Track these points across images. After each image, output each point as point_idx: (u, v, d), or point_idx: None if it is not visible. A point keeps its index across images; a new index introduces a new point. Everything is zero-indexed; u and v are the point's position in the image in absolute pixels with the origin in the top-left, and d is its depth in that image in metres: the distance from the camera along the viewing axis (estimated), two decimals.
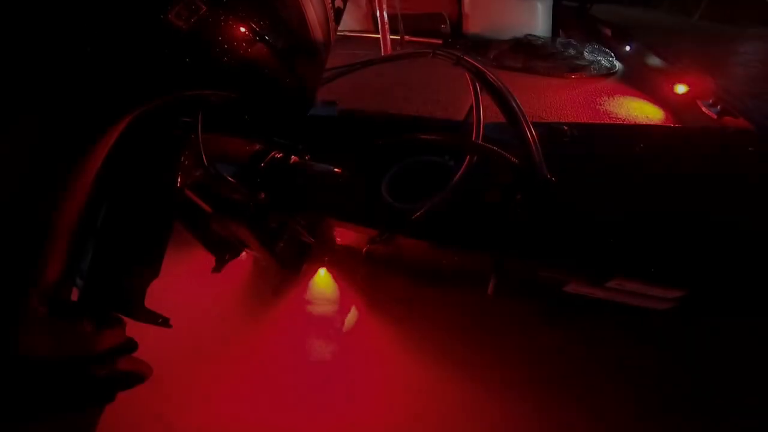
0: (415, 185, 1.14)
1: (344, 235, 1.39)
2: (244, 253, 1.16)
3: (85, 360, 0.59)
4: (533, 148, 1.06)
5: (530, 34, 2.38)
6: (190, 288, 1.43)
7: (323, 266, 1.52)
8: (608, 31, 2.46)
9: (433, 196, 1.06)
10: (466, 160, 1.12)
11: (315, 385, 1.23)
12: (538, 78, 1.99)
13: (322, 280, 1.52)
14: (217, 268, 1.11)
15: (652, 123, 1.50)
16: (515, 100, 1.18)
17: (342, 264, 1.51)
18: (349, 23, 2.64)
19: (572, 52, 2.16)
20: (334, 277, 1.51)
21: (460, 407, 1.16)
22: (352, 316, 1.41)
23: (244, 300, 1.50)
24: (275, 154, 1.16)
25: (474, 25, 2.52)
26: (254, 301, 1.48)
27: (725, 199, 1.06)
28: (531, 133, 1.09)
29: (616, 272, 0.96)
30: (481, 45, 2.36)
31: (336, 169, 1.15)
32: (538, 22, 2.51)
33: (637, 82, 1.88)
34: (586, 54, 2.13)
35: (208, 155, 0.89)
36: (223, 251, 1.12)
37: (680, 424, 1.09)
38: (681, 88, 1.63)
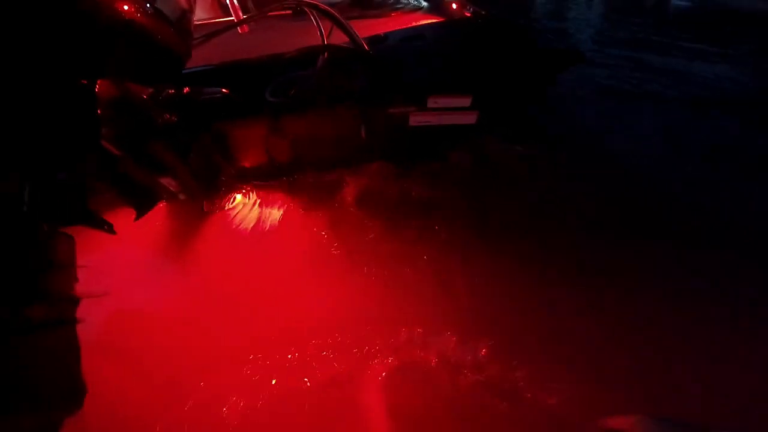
0: (288, 89, 1.57)
1: (248, 154, 1.69)
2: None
3: None
4: (357, 39, 1.60)
5: None
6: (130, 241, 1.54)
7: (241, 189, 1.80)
8: None
9: (301, 83, 1.51)
10: (320, 58, 1.59)
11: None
12: (371, 20, 2.60)
13: (242, 200, 1.77)
14: (138, 216, 1.35)
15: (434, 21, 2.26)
16: (341, 17, 1.70)
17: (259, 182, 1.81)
18: (198, 13, 2.85)
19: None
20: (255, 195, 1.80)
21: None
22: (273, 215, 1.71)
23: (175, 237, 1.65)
24: (168, 89, 1.46)
25: None
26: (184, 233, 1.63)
27: (475, 50, 1.78)
28: (354, 32, 1.62)
29: (430, 93, 1.57)
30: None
31: (222, 89, 1.51)
32: None
33: (434, 10, 2.66)
34: None
35: (109, 97, 1.18)
36: (140, 198, 1.37)
37: None
38: (454, 5, 2.43)
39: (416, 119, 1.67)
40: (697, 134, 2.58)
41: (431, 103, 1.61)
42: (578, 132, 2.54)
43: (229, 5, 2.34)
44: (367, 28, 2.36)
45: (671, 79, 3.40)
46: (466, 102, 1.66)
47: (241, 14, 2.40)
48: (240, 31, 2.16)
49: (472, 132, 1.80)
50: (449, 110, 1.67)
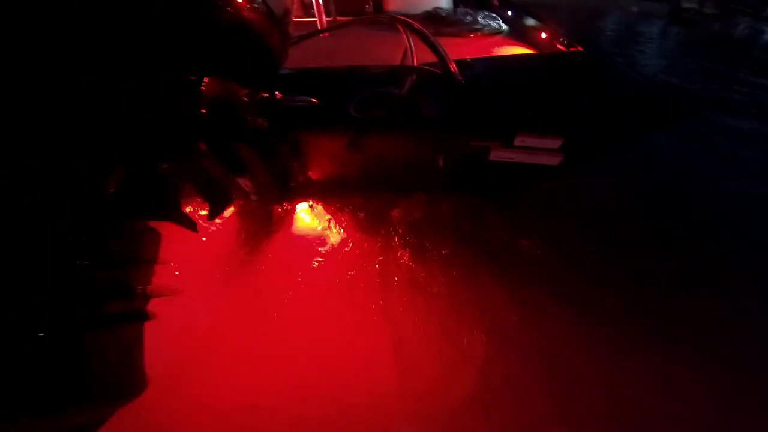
0: (373, 107, 1.53)
1: (322, 165, 1.70)
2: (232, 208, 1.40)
3: None
4: (450, 65, 1.53)
5: (437, 7, 2.95)
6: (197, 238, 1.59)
7: (309, 200, 1.83)
8: (496, 2, 3.18)
9: (387, 103, 1.47)
10: (409, 79, 1.55)
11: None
12: (446, 39, 2.55)
13: (308, 211, 1.81)
14: (212, 216, 1.35)
15: (527, 53, 2.13)
16: (434, 39, 1.65)
17: (326, 196, 1.82)
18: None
19: (469, 18, 2.77)
20: (321, 208, 1.83)
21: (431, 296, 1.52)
22: (336, 237, 1.73)
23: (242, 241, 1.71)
24: (262, 93, 1.46)
25: (392, 4, 3.03)
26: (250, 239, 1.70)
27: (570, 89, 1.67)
28: (447, 57, 1.56)
29: (518, 130, 1.48)
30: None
31: (312, 99, 1.49)
32: None
33: (516, 35, 2.55)
34: (479, 19, 2.76)
35: (213, 96, 1.18)
36: (217, 197, 1.37)
37: None
38: (543, 35, 2.31)
39: (497, 154, 1.59)
40: None
41: (518, 141, 1.52)
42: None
43: (315, 11, 2.36)
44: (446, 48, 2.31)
45: None
46: (556, 144, 1.55)
47: (324, 18, 2.42)
48: (337, 34, 2.18)
49: (553, 172, 1.69)
50: (535, 150, 1.57)
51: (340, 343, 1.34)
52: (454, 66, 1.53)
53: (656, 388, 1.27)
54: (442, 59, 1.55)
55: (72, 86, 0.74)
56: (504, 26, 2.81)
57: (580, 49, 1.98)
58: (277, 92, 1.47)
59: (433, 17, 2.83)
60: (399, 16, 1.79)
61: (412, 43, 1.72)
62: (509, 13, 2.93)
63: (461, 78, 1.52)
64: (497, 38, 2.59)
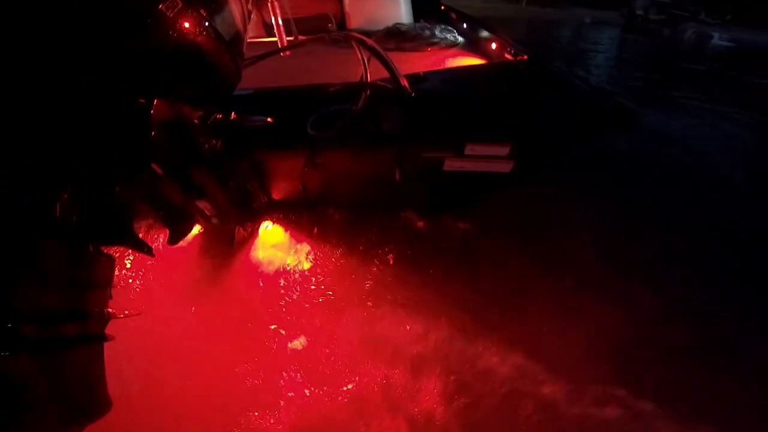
0: (329, 124, 1.58)
1: (281, 185, 1.72)
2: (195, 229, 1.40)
3: None
4: (401, 79, 1.61)
5: (398, 23, 3.06)
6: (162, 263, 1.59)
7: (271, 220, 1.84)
8: (453, 16, 3.33)
9: (342, 120, 1.52)
10: (362, 95, 1.60)
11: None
12: (406, 53, 2.65)
13: (270, 231, 1.83)
14: (173, 240, 1.35)
15: (475, 64, 2.26)
16: (386, 55, 1.72)
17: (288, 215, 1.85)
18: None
19: (428, 33, 2.89)
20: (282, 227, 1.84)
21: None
22: (301, 253, 1.76)
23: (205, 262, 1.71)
24: (216, 114, 1.48)
25: (355, 22, 3.11)
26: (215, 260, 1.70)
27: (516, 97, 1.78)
28: (398, 72, 1.64)
29: (467, 139, 1.57)
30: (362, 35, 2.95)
31: (268, 119, 1.52)
32: (403, 14, 3.23)
33: (470, 46, 2.68)
34: (437, 33, 2.88)
35: (164, 119, 1.19)
36: (177, 220, 1.37)
37: None
38: (494, 45, 2.44)
39: (451, 164, 1.66)
40: None
41: (468, 150, 1.60)
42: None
43: (275, 29, 2.40)
44: (404, 62, 2.39)
45: None
46: (504, 151, 1.64)
47: (284, 37, 2.46)
48: (292, 54, 2.21)
49: (508, 182, 1.78)
50: (486, 158, 1.66)
51: (308, 356, 1.37)
52: (405, 80, 1.60)
53: None
54: (393, 74, 1.63)
55: (20, 103, 0.75)
56: (460, 39, 2.94)
57: (525, 57, 2.11)
58: (232, 113, 1.50)
59: (394, 33, 2.93)
60: (353, 34, 1.86)
61: (366, 59, 1.79)
62: (464, 26, 3.08)
63: (411, 91, 1.60)
64: (453, 50, 2.71)
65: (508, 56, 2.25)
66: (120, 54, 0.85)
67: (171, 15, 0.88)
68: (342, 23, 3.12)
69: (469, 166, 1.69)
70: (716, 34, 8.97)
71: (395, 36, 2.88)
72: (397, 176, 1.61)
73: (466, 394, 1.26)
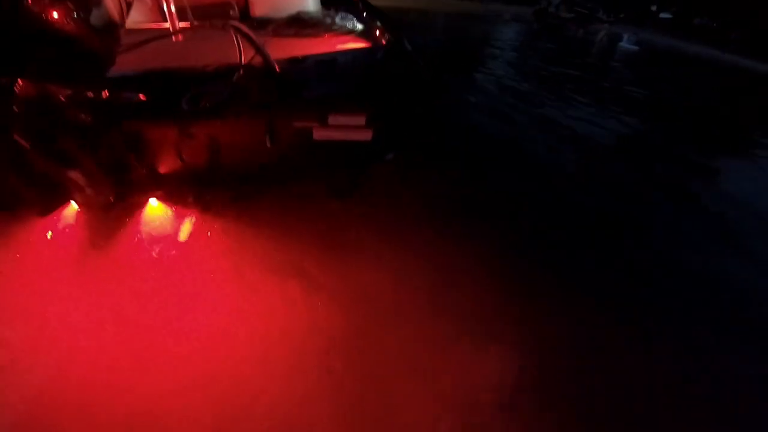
0: (203, 100, 1.79)
1: (162, 158, 1.89)
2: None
3: None
4: (269, 59, 1.87)
5: (302, 11, 3.27)
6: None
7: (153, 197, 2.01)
8: (360, 6, 3.60)
9: (213, 95, 1.75)
10: (235, 74, 1.84)
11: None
12: (304, 39, 2.88)
13: (154, 208, 2.00)
14: (45, 212, 1.50)
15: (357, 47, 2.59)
16: (259, 40, 1.96)
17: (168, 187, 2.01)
18: (138, 18, 2.97)
19: (328, 20, 3.15)
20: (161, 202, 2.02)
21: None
22: (186, 227, 1.95)
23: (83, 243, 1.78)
24: (87, 92, 1.63)
25: (259, 9, 3.25)
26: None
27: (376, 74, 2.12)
28: (268, 54, 1.89)
29: (331, 110, 1.89)
30: (266, 23, 3.12)
31: (140, 95, 1.70)
32: (308, 2, 3.43)
33: (364, 33, 2.99)
34: (337, 20, 3.14)
35: (27, 96, 1.34)
36: (46, 191, 1.52)
37: None
38: (377, 32, 2.78)
39: (320, 134, 1.97)
40: None
41: (331, 120, 1.92)
42: None
43: (167, 14, 2.51)
44: (298, 47, 2.64)
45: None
46: (360, 120, 1.98)
47: (177, 22, 2.57)
48: (174, 39, 2.35)
49: (378, 152, 2.14)
50: (348, 128, 1.99)
51: (198, 333, 1.53)
52: (274, 63, 1.87)
53: None
54: (264, 56, 1.88)
55: None
56: (359, 26, 3.23)
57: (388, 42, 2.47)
58: (105, 92, 1.66)
59: (296, 20, 3.15)
60: (232, 22, 2.07)
61: (241, 44, 2.01)
62: (364, 14, 3.38)
63: (279, 71, 1.87)
64: (346, 37, 3.00)
65: (383, 42, 2.60)
66: None
67: (37, 8, 1.07)
68: (246, 11, 3.26)
69: (335, 135, 2.01)
70: (625, 36, 10.10)
71: (297, 23, 3.10)
72: (268, 143, 1.89)
73: None
